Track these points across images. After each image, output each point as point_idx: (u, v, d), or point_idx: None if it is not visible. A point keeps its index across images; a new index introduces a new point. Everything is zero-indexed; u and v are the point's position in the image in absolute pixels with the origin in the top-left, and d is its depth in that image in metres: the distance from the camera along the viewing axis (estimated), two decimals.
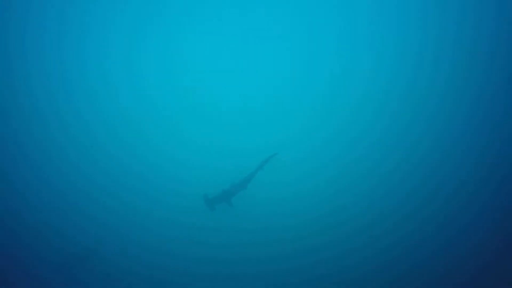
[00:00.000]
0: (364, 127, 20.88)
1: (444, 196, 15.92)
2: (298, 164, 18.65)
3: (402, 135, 19.73)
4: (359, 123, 21.13)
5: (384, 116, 20.99)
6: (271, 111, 23.11)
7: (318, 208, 16.21)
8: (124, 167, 19.07)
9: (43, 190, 17.17)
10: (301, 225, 15.35)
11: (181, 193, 16.91)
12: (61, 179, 17.96)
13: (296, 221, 15.55)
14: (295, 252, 14.32)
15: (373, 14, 23.95)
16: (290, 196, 16.72)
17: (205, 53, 24.90)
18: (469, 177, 16.33)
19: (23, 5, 21.97)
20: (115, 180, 18.12)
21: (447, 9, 21.91)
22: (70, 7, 22.72)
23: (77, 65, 23.21)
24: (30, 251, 14.03)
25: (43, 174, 18.35)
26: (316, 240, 14.69)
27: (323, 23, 24.95)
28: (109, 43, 23.89)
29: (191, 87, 24.11)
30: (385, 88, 22.30)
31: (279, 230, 15.19)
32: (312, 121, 22.06)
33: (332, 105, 22.34)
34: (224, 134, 21.25)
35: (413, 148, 18.78)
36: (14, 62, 22.29)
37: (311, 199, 16.68)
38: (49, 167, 18.67)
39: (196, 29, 24.85)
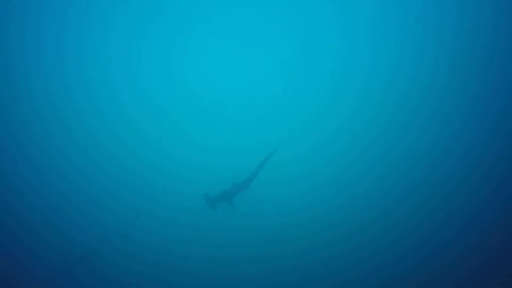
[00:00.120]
0: (364, 125, 20.87)
1: (444, 195, 15.93)
2: (299, 163, 18.62)
3: (401, 135, 19.72)
4: (360, 121, 21.12)
5: (384, 115, 20.97)
6: (272, 110, 23.09)
7: (319, 206, 16.20)
8: (125, 167, 19.06)
9: (43, 191, 17.17)
10: (302, 224, 15.35)
11: (183, 193, 16.93)
12: (62, 179, 17.96)
13: (296, 220, 15.55)
14: (296, 251, 14.35)
15: (374, 11, 23.98)
16: (290, 195, 16.71)
17: (206, 52, 24.87)
18: (469, 176, 16.34)
19: (23, 3, 21.96)
20: (116, 180, 18.12)
21: (447, 9, 21.94)
22: (70, 6, 22.71)
23: (77, 64, 23.18)
24: (33, 253, 14.06)
25: (44, 175, 18.36)
26: (317, 239, 14.71)
27: (323, 22, 24.95)
28: (109, 43, 23.86)
29: (192, 86, 24.09)
30: (384, 87, 22.30)
31: (280, 229, 15.20)
32: (313, 119, 22.03)
33: (332, 104, 22.31)
34: (225, 133, 21.25)
35: (412, 147, 18.78)
36: (14, 61, 22.27)
37: (312, 198, 16.66)
38: (49, 168, 18.67)
39: (197, 28, 24.83)
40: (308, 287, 13.23)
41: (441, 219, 14.82)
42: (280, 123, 21.84)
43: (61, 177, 18.20)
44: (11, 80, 21.62)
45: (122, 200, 17.08)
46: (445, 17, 22.06)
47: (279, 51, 24.97)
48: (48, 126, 20.56)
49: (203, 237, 15.17)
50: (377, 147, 19.27)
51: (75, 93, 22.30)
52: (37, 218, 15.76)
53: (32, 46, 22.62)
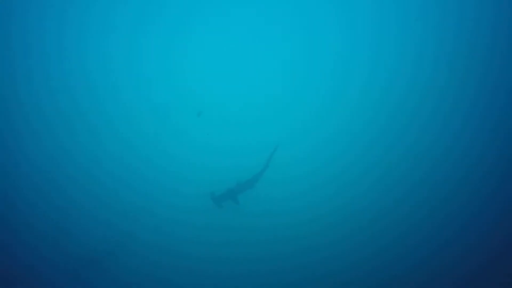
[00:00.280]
0: (364, 125, 20.86)
1: (444, 195, 15.95)
2: (299, 162, 18.65)
3: (402, 135, 19.72)
4: (360, 121, 21.11)
5: (384, 114, 20.98)
6: (273, 109, 23.08)
7: (319, 206, 16.23)
8: (128, 167, 19.10)
9: (49, 192, 17.23)
10: (301, 224, 15.37)
11: (184, 193, 16.97)
12: (67, 181, 18.01)
13: (296, 220, 15.57)
14: (296, 251, 14.37)
15: (375, 9, 23.99)
16: (290, 195, 16.71)
17: (208, 52, 24.86)
18: (469, 176, 16.36)
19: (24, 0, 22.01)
20: (122, 181, 18.17)
21: (447, 8, 21.94)
22: (71, 4, 22.72)
23: (78, 63, 23.17)
24: (42, 257, 14.13)
25: (45, 173, 18.40)
26: (317, 238, 14.74)
27: (324, 20, 24.96)
28: (110, 41, 23.85)
29: (194, 85, 24.08)
30: (385, 86, 22.30)
31: (280, 229, 15.23)
32: (314, 118, 22.03)
33: (333, 103, 22.30)
34: (225, 133, 21.25)
35: (413, 147, 18.80)
36: (15, 61, 22.28)
37: (312, 198, 16.68)
38: (51, 167, 18.71)
39: (198, 28, 24.82)
40: (308, 287, 13.24)
41: (441, 219, 14.83)
42: (281, 122, 21.84)
43: (63, 177, 18.23)
44: (12, 79, 21.64)
45: (125, 200, 17.11)
46: (445, 17, 22.07)
47: (280, 50, 24.96)
48: (50, 126, 20.60)
49: (205, 237, 15.18)
50: (377, 147, 19.27)
51: (76, 92, 22.31)
52: (45, 222, 15.81)
53: (33, 46, 22.65)
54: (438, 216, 15.09)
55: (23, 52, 22.40)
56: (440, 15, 22.17)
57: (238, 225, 15.13)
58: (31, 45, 22.55)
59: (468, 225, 14.25)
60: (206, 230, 15.34)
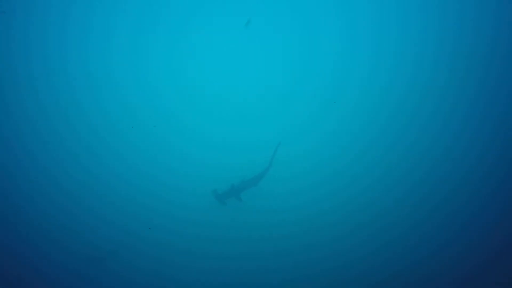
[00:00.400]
0: (364, 124, 20.91)
1: (444, 194, 16.03)
2: (300, 160, 18.71)
3: (402, 134, 19.77)
4: (361, 119, 21.15)
5: (386, 113, 21.02)
6: (276, 105, 23.10)
7: (319, 205, 16.25)
8: (131, 166, 19.13)
9: (51, 190, 17.26)
10: (301, 222, 15.44)
11: (190, 191, 17.05)
12: (70, 179, 18.04)
13: (295, 217, 15.63)
14: (296, 248, 14.45)
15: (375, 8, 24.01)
16: (290, 192, 16.74)
17: (210, 51, 24.84)
18: (469, 176, 16.45)
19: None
20: (125, 180, 18.20)
21: (447, 8, 21.98)
22: (74, 3, 22.66)
23: (80, 62, 23.14)
24: (45, 255, 14.18)
25: (47, 172, 18.43)
26: (317, 236, 14.81)
27: (325, 19, 24.95)
28: (113, 40, 23.80)
29: (196, 83, 24.06)
30: (384, 85, 22.32)
31: (281, 227, 15.29)
32: (317, 115, 22.05)
33: (336, 100, 22.29)
34: (226, 132, 21.26)
35: (413, 146, 18.86)
36: (17, 60, 22.23)
37: (312, 196, 16.71)
38: (53, 166, 18.73)
39: (202, 26, 24.79)
40: (308, 284, 13.34)
41: (441, 219, 14.93)
42: (285, 119, 21.85)
43: (64, 176, 18.26)
44: (14, 78, 21.59)
45: (128, 198, 17.17)
46: (445, 16, 22.11)
47: (281, 50, 24.96)
48: (52, 124, 20.58)
49: (209, 234, 15.27)
50: (378, 147, 19.33)
51: (78, 89, 22.29)
52: (42, 217, 15.86)
53: (35, 45, 22.59)
54: (438, 215, 15.18)
55: (24, 52, 22.35)
56: (440, 15, 22.21)
57: (242, 222, 15.21)
58: (31, 45, 22.50)
59: (468, 225, 14.35)
60: (210, 227, 15.42)
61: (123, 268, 14.16)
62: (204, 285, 13.57)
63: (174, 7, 24.56)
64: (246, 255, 14.26)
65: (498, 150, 17.07)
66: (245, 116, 22.27)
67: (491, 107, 18.83)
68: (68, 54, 23.00)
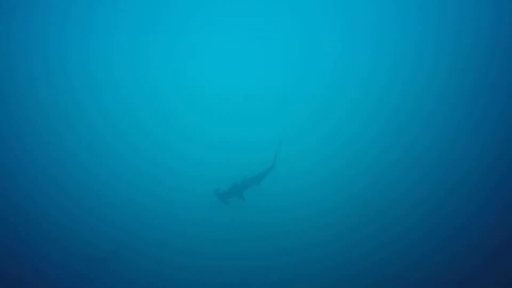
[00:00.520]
0: (364, 124, 20.91)
1: (444, 193, 16.02)
2: (300, 160, 18.70)
3: (401, 133, 19.76)
4: (360, 119, 21.15)
5: (384, 113, 21.01)
6: (277, 104, 23.09)
7: (319, 204, 16.26)
8: (131, 166, 19.13)
9: (51, 192, 17.24)
10: (300, 221, 15.45)
11: (191, 191, 17.04)
12: (70, 180, 18.03)
13: (295, 216, 15.67)
14: (295, 248, 14.44)
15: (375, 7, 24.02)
16: (290, 191, 16.75)
17: (211, 51, 24.85)
18: (469, 176, 16.44)
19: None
20: (125, 180, 18.20)
21: (447, 8, 21.97)
22: (74, 3, 22.67)
23: (81, 61, 23.14)
24: (45, 255, 14.17)
25: (47, 171, 18.43)
26: (317, 235, 14.81)
27: (325, 19, 24.96)
28: (113, 40, 23.82)
29: (197, 83, 24.08)
30: (384, 85, 22.32)
31: (279, 226, 15.31)
32: (317, 115, 22.06)
33: (336, 99, 22.30)
34: (226, 131, 21.27)
35: (413, 145, 18.85)
36: (17, 59, 22.23)
37: (312, 195, 16.71)
38: (53, 166, 18.73)
39: (202, 26, 24.80)
40: (308, 284, 13.33)
41: (441, 219, 14.92)
42: (286, 118, 21.85)
43: (64, 176, 18.26)
44: (14, 78, 21.61)
45: (129, 198, 17.17)
46: (445, 16, 22.10)
47: (282, 49, 24.98)
48: (53, 125, 20.60)
49: (207, 234, 15.26)
50: (377, 146, 19.33)
51: (78, 90, 22.30)
52: (42, 217, 15.86)
53: (35, 45, 22.61)
54: (438, 214, 15.18)
55: (26, 51, 22.36)
56: (440, 15, 22.20)
57: (244, 221, 15.22)
58: (32, 45, 22.50)
59: (468, 225, 14.34)
60: (210, 227, 15.42)
61: (123, 268, 14.15)
62: (204, 285, 13.54)
63: (174, 8, 24.58)
64: (246, 254, 14.25)
65: (497, 150, 17.05)
66: (245, 115, 22.30)
67: (491, 107, 18.82)
68: (68, 54, 23.02)
